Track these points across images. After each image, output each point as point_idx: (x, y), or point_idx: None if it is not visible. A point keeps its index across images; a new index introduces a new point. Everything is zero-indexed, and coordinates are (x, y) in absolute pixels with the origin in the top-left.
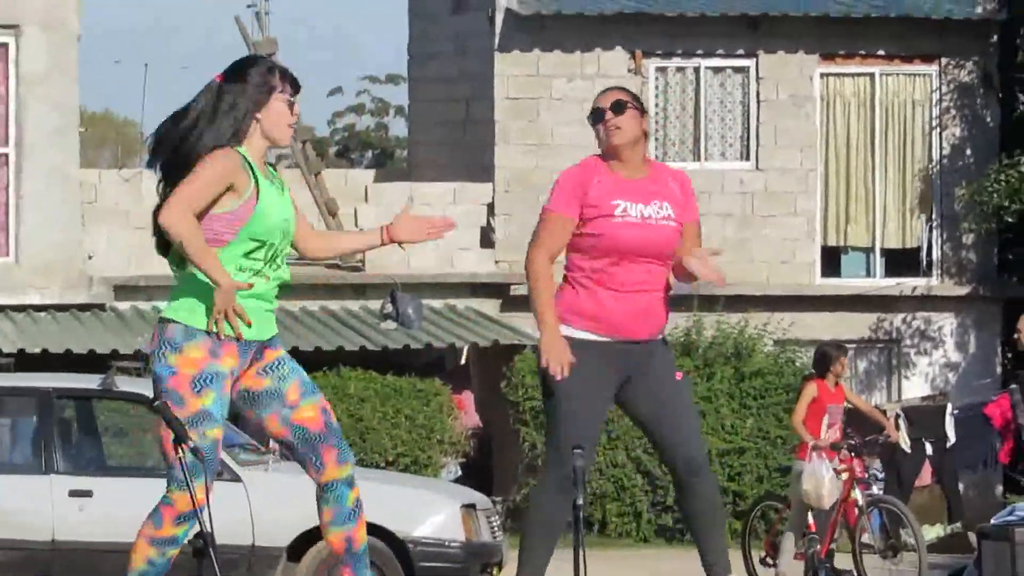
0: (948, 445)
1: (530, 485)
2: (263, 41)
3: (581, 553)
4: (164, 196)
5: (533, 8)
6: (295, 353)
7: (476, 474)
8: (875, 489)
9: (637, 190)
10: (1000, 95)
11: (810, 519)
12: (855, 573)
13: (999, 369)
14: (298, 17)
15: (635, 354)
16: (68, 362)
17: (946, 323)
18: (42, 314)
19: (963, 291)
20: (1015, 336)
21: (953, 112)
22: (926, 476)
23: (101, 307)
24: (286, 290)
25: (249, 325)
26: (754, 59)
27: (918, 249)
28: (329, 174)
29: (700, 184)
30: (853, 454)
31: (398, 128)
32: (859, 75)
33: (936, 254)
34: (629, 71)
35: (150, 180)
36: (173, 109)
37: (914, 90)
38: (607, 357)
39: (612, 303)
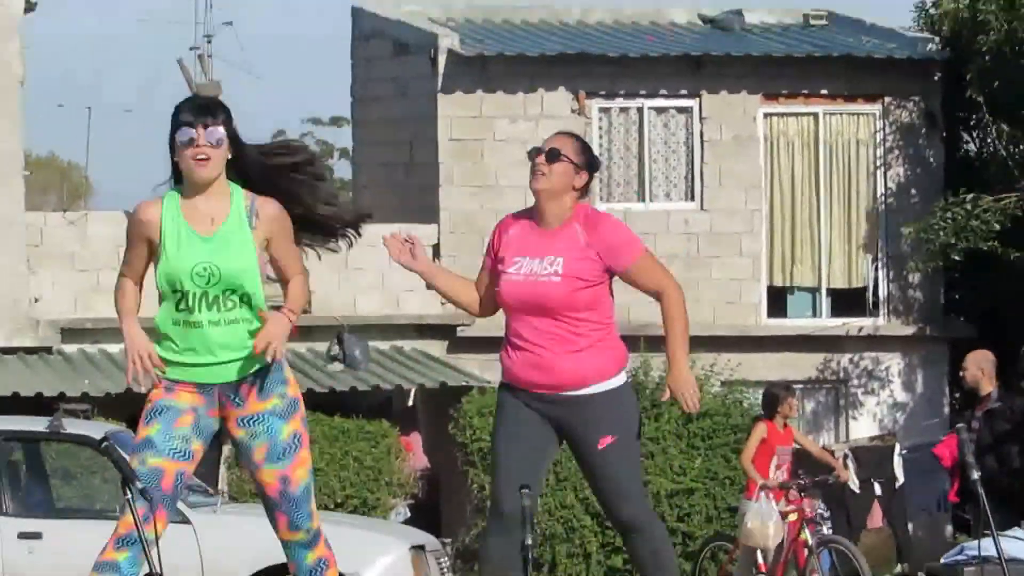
0: (897, 485)
1: (480, 529)
2: (206, 84)
3: None
4: None
5: (475, 49)
6: None
7: (425, 516)
8: (824, 529)
9: (537, 245)
10: (944, 134)
11: (759, 559)
12: None
13: (947, 409)
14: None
15: (551, 407)
16: (15, 405)
17: (893, 363)
18: None
19: (910, 331)
20: (961, 374)
21: (897, 151)
22: (878, 518)
23: (48, 350)
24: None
25: (163, 371)
26: (697, 99)
27: (864, 289)
28: None
29: (645, 225)
30: (802, 494)
31: (343, 170)
32: (803, 114)
33: (883, 294)
34: (573, 111)
35: (96, 223)
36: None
37: (858, 129)
38: (534, 404)
39: (515, 356)
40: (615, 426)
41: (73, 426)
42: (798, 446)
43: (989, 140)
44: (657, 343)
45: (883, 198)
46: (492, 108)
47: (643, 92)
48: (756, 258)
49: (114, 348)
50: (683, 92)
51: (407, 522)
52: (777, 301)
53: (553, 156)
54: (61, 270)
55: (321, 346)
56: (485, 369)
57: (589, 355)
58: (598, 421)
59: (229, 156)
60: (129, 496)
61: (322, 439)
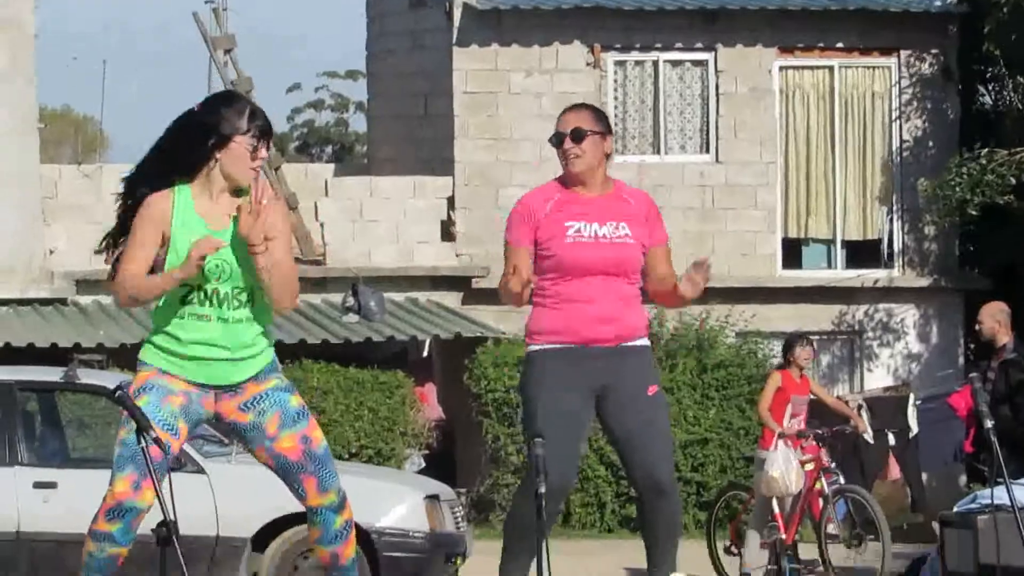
0: (911, 436)
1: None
2: (221, 37)
3: (544, 543)
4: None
5: (491, 3)
6: None
7: (439, 465)
8: (840, 479)
9: (593, 210)
10: (960, 87)
11: (775, 508)
12: (819, 562)
13: (961, 360)
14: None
15: (605, 361)
16: (31, 356)
17: (908, 315)
18: (4, 309)
19: (925, 282)
20: (977, 327)
21: (913, 104)
22: (893, 469)
23: (63, 301)
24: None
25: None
26: (713, 52)
27: (879, 241)
28: (289, 169)
29: (660, 178)
30: (819, 444)
31: (358, 123)
32: (818, 68)
33: (897, 245)
34: (587, 65)
35: (110, 175)
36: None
37: (873, 82)
38: (577, 363)
39: (572, 315)
40: (657, 379)
41: (88, 376)
42: (814, 396)
43: (1005, 94)
44: None
45: (898, 151)
46: (507, 61)
47: (658, 45)
48: (771, 210)
49: None
50: (698, 45)
51: (422, 472)
52: (792, 253)
53: (579, 136)
54: (76, 222)
55: (336, 297)
56: (500, 320)
57: (638, 309)
58: (646, 371)
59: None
60: (143, 445)
61: (337, 390)
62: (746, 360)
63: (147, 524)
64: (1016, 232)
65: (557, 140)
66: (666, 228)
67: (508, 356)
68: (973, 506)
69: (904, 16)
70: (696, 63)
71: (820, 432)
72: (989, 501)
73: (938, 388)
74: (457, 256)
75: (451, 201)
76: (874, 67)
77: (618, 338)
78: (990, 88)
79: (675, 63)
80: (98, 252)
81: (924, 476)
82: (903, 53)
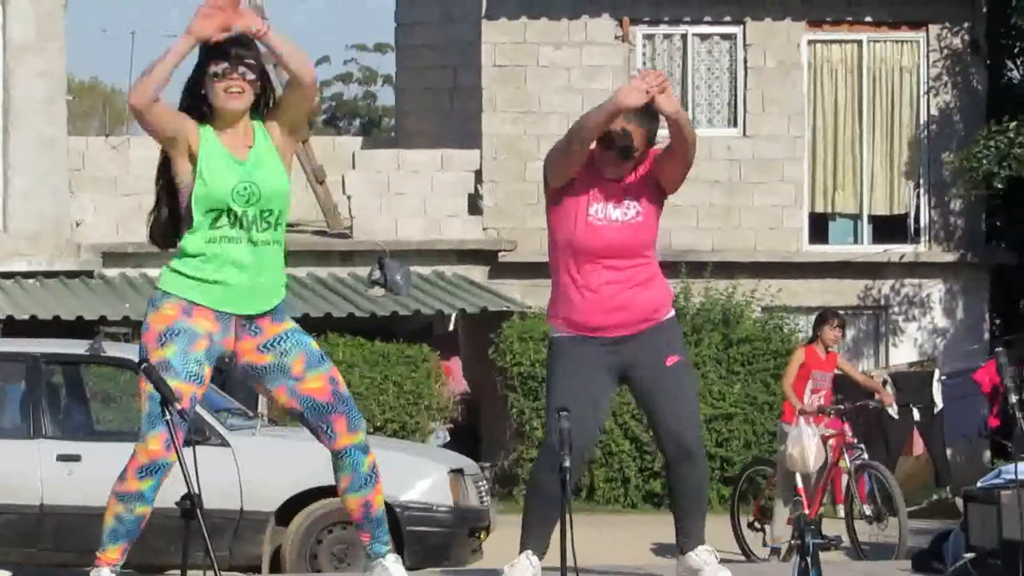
0: (936, 411)
1: (520, 452)
2: (250, 9)
3: (568, 517)
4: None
5: None
6: None
7: (464, 439)
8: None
9: (609, 192)
10: (988, 62)
11: (799, 483)
12: (842, 538)
13: (987, 335)
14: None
15: (625, 345)
16: (56, 329)
17: (934, 289)
18: (30, 281)
19: (951, 257)
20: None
21: (941, 79)
22: (918, 444)
23: (89, 274)
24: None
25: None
26: (741, 26)
27: (906, 216)
28: (317, 141)
29: None
30: (843, 419)
31: (386, 96)
32: (847, 42)
33: (924, 220)
34: (616, 38)
35: (138, 148)
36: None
37: (902, 57)
38: (597, 348)
39: (591, 304)
40: (680, 349)
41: (113, 349)
42: (841, 372)
43: None
44: (698, 269)
45: (926, 125)
46: (536, 34)
47: (687, 19)
48: (798, 184)
49: (155, 272)
50: (727, 19)
51: (446, 446)
52: (819, 227)
53: (627, 155)
54: (103, 194)
55: (363, 271)
56: (526, 294)
57: (655, 285)
58: (666, 344)
59: (257, 93)
60: (168, 417)
61: (362, 363)
62: (772, 335)
63: (172, 497)
64: None
65: (607, 143)
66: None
67: (534, 330)
68: (997, 481)
69: None
70: (724, 37)
71: (842, 407)
72: (1013, 476)
73: (963, 363)
74: (484, 230)
75: (478, 174)
76: (902, 41)
77: (638, 323)
78: (1018, 62)
79: (704, 37)
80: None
81: (949, 451)
82: (931, 27)
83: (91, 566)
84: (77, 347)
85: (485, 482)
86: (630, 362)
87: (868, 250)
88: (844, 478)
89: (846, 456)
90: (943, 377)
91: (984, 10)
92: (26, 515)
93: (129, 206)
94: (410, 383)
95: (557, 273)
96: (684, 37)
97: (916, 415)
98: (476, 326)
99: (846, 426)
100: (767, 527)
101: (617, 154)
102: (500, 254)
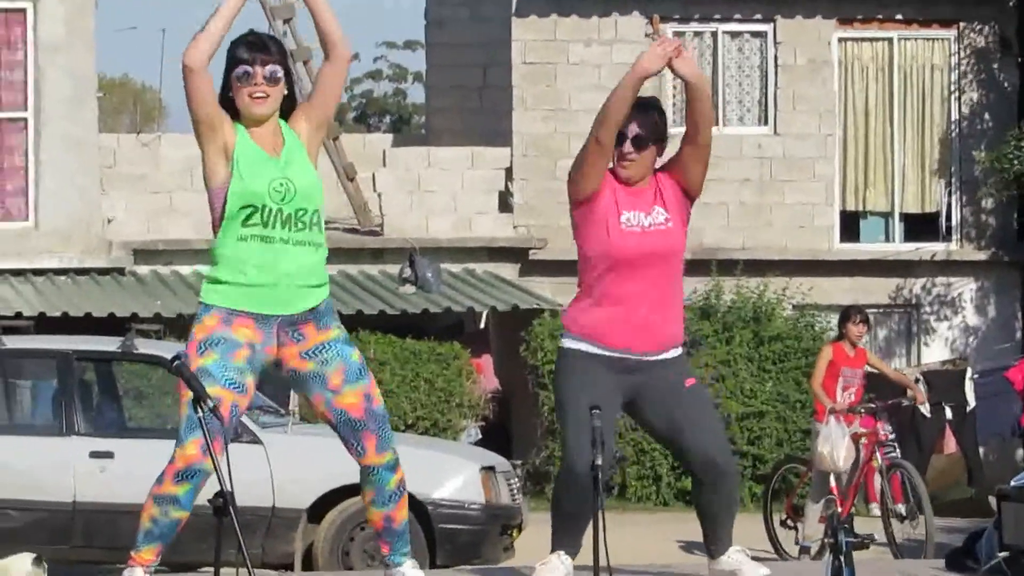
0: (968, 409)
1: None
2: (280, 7)
3: (600, 515)
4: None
5: None
6: None
7: (495, 437)
8: (896, 452)
9: (636, 200)
10: (1019, 59)
11: (832, 481)
12: (875, 536)
13: (1019, 334)
14: None
15: (638, 370)
16: (88, 326)
17: (966, 288)
18: (62, 278)
19: (983, 256)
20: None
21: (971, 76)
22: (950, 443)
23: (120, 271)
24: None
25: None
26: (772, 24)
27: (937, 214)
28: (347, 139)
29: (719, 149)
30: (875, 417)
31: (416, 94)
32: (877, 40)
33: (955, 218)
34: (646, 36)
35: (168, 145)
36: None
37: (932, 54)
38: (609, 367)
39: (613, 318)
40: (692, 373)
41: (145, 346)
42: (872, 369)
43: None
44: (729, 267)
45: (957, 123)
46: (566, 32)
47: (718, 16)
48: (829, 182)
49: (186, 269)
50: (758, 17)
51: (478, 444)
52: (850, 225)
53: (641, 143)
54: (134, 192)
55: (393, 268)
56: (557, 292)
57: (677, 312)
58: (680, 371)
59: (285, 92)
60: (201, 415)
61: (393, 361)
62: (803, 333)
63: (204, 494)
64: None
65: (619, 139)
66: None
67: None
68: None
69: None
70: (755, 35)
71: (872, 405)
72: None
73: (995, 362)
74: (514, 227)
75: (509, 172)
76: (933, 39)
77: (654, 348)
78: None
79: (734, 35)
80: None
81: (981, 450)
82: (962, 25)
83: (123, 564)
84: (109, 344)
85: (517, 479)
86: (640, 389)
87: (899, 248)
88: (876, 477)
89: (878, 454)
90: (975, 375)
91: (1014, 7)
92: (58, 512)
93: (160, 203)
94: (441, 380)
95: (585, 285)
96: (714, 35)
97: (948, 413)
98: (507, 323)
99: (879, 424)
100: (799, 525)
101: (632, 144)
102: (531, 252)
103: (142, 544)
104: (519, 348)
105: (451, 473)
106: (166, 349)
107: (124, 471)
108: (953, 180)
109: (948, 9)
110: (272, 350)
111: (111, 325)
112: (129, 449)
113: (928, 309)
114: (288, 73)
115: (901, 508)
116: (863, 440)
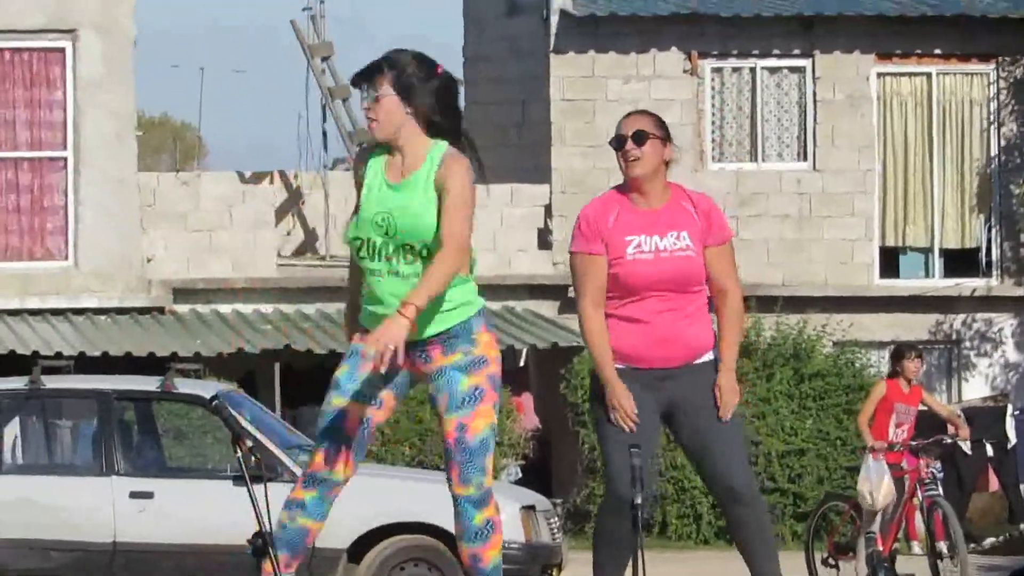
0: (1009, 446)
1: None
2: (319, 45)
3: (640, 553)
4: None
5: (588, 9)
6: None
7: (536, 476)
8: (939, 489)
9: (653, 222)
10: None
11: (877, 519)
12: (915, 575)
13: None
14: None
15: (671, 382)
16: (128, 365)
17: (1006, 324)
18: (102, 317)
19: (1023, 291)
20: None
21: (1011, 111)
22: (994, 481)
23: (160, 310)
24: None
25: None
26: (810, 59)
27: (977, 249)
28: None
29: (758, 185)
30: (918, 455)
31: None
32: (916, 74)
33: (996, 254)
34: (685, 72)
35: (208, 183)
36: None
37: (971, 89)
38: (644, 384)
39: (633, 337)
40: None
41: (185, 385)
42: (926, 407)
43: None
44: (768, 304)
45: (996, 158)
46: (604, 68)
47: (756, 52)
48: (868, 218)
49: (225, 308)
50: (796, 52)
51: (518, 482)
52: (890, 261)
53: (640, 137)
54: (174, 230)
55: None
56: None
57: (701, 322)
58: (711, 384)
59: (409, 110)
60: (239, 455)
61: None
62: (843, 370)
63: (243, 534)
64: None
65: (618, 143)
66: (731, 227)
67: None
68: None
69: (1002, 22)
70: (793, 70)
71: (914, 443)
72: None
73: None
74: (554, 264)
75: (548, 209)
76: (972, 73)
77: (683, 358)
78: None
79: (772, 70)
80: None
81: (1022, 487)
82: (1001, 59)
83: None
84: (149, 384)
85: (557, 518)
86: (676, 401)
87: (939, 284)
88: (917, 515)
89: (919, 492)
90: (1016, 412)
91: None
92: (99, 552)
93: (200, 242)
94: None
95: (609, 311)
96: (753, 70)
97: (989, 450)
98: (547, 361)
99: (922, 461)
100: (842, 563)
101: (633, 140)
102: (570, 289)
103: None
104: (559, 386)
105: None
106: (206, 388)
107: (164, 511)
108: (993, 215)
109: (987, 43)
110: (406, 366)
111: (151, 364)
112: (169, 489)
113: (968, 345)
114: (408, 89)
115: (943, 546)
116: (906, 478)
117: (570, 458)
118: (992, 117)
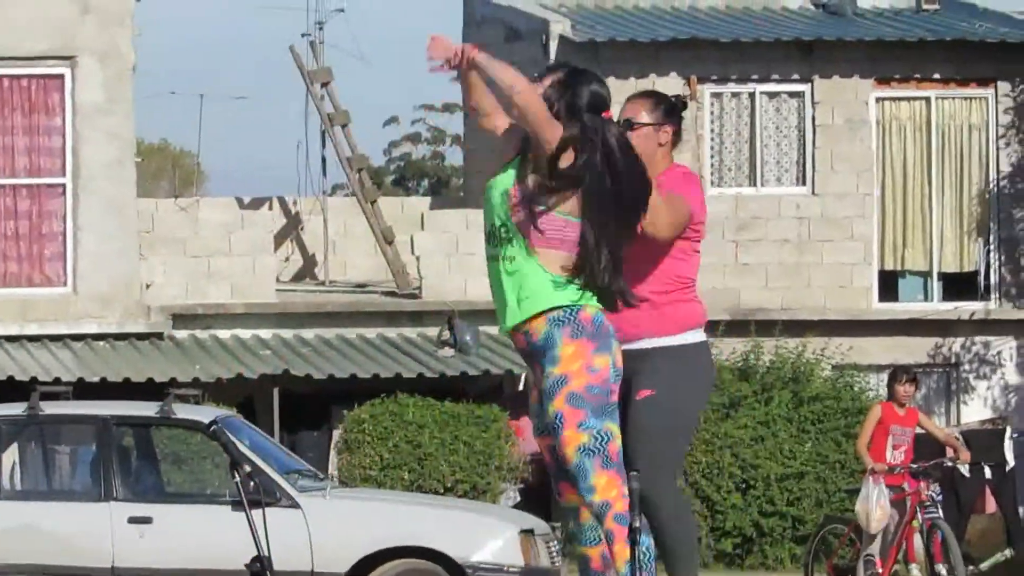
0: (1008, 469)
1: None
2: (318, 71)
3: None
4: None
5: (587, 35)
6: (353, 380)
7: (535, 500)
8: (938, 512)
9: None
10: None
11: (876, 541)
12: None
13: None
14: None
15: (630, 362)
16: (126, 391)
17: (1005, 347)
18: (100, 343)
19: (1022, 315)
20: None
21: (1010, 134)
22: (991, 503)
23: (159, 336)
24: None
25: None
26: (809, 84)
27: (976, 273)
28: (386, 202)
29: (756, 210)
30: (917, 478)
31: (454, 156)
32: (915, 99)
33: (994, 278)
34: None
35: (207, 209)
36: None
37: (970, 113)
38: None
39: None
40: (660, 382)
41: (183, 411)
42: (922, 430)
43: None
44: (768, 328)
45: (995, 182)
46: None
47: (755, 77)
48: (868, 242)
49: (225, 334)
50: (795, 77)
51: (517, 506)
52: (888, 285)
53: (626, 127)
54: (173, 256)
55: (432, 331)
56: None
57: (647, 308)
58: (646, 374)
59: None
60: (238, 480)
61: (432, 424)
62: (842, 393)
63: (242, 559)
64: None
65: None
66: (697, 199)
67: None
68: None
69: (1001, 47)
70: (792, 95)
71: (914, 466)
72: None
73: None
74: None
75: None
76: (971, 98)
77: (643, 336)
78: None
79: (771, 95)
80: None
81: (1021, 510)
82: (1000, 84)
83: None
84: (147, 409)
85: (556, 542)
86: (629, 384)
87: (938, 307)
88: (916, 537)
89: (919, 515)
90: (1015, 435)
91: None
92: None
93: (198, 268)
94: (480, 443)
95: None
96: (752, 95)
97: (988, 473)
98: None
99: (921, 484)
100: None
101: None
102: None
103: None
104: None
105: (490, 536)
106: (204, 414)
107: (163, 536)
108: (992, 239)
109: (986, 68)
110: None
111: (150, 390)
112: (168, 514)
113: (967, 368)
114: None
115: (942, 568)
116: (907, 500)
117: None
118: (991, 141)
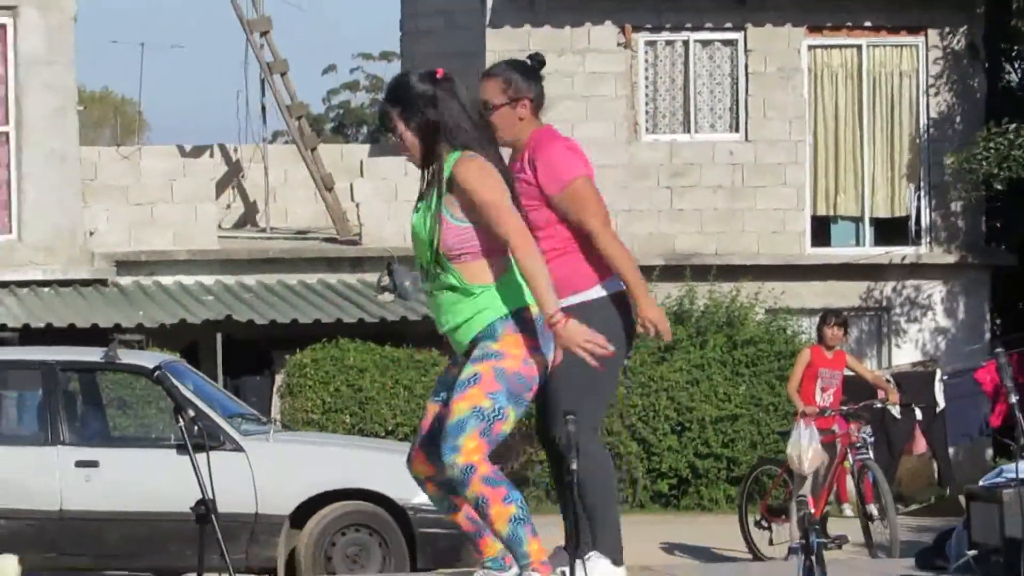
0: (938, 411)
1: (529, 455)
2: (257, 20)
3: (574, 519)
4: None
5: None
6: (294, 325)
7: None
8: (869, 453)
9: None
10: (986, 65)
11: (808, 483)
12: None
13: (988, 335)
14: None
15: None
16: (72, 337)
17: (935, 291)
18: (45, 289)
19: (952, 259)
20: None
21: (940, 82)
22: (921, 444)
23: (103, 282)
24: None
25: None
26: (742, 32)
27: (907, 218)
28: (325, 150)
29: (690, 156)
30: (848, 419)
31: None
32: (846, 47)
33: (925, 222)
34: (619, 45)
35: (149, 157)
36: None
37: (901, 61)
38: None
39: None
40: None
41: (128, 356)
42: (851, 372)
43: None
44: (702, 272)
45: (926, 128)
46: (539, 42)
47: (688, 25)
48: (800, 188)
49: (168, 280)
50: (728, 25)
51: None
52: (821, 230)
53: (486, 111)
54: (115, 204)
55: (372, 277)
56: None
57: (563, 263)
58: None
59: (429, 127)
60: (182, 424)
61: (373, 368)
62: (775, 336)
63: (187, 502)
64: None
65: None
66: (573, 168)
67: None
68: (999, 480)
69: None
70: (726, 43)
71: (844, 408)
72: (1015, 475)
73: (965, 363)
74: None
75: None
76: (902, 46)
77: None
78: (1016, 65)
79: (705, 43)
80: None
81: (951, 450)
82: (930, 32)
83: (105, 571)
84: (92, 355)
85: None
86: None
87: (870, 252)
88: (848, 478)
89: (850, 456)
90: (945, 377)
91: (983, 13)
92: (45, 520)
93: (141, 215)
94: (420, 387)
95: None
96: (686, 44)
97: (918, 415)
98: None
99: (852, 426)
100: (774, 525)
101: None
102: None
103: None
104: None
105: None
106: (149, 359)
107: (109, 480)
108: (922, 184)
109: (916, 16)
110: (454, 374)
111: (94, 336)
112: (114, 458)
113: (898, 312)
114: (408, 107)
115: (872, 509)
116: (838, 442)
117: None
118: (922, 89)
